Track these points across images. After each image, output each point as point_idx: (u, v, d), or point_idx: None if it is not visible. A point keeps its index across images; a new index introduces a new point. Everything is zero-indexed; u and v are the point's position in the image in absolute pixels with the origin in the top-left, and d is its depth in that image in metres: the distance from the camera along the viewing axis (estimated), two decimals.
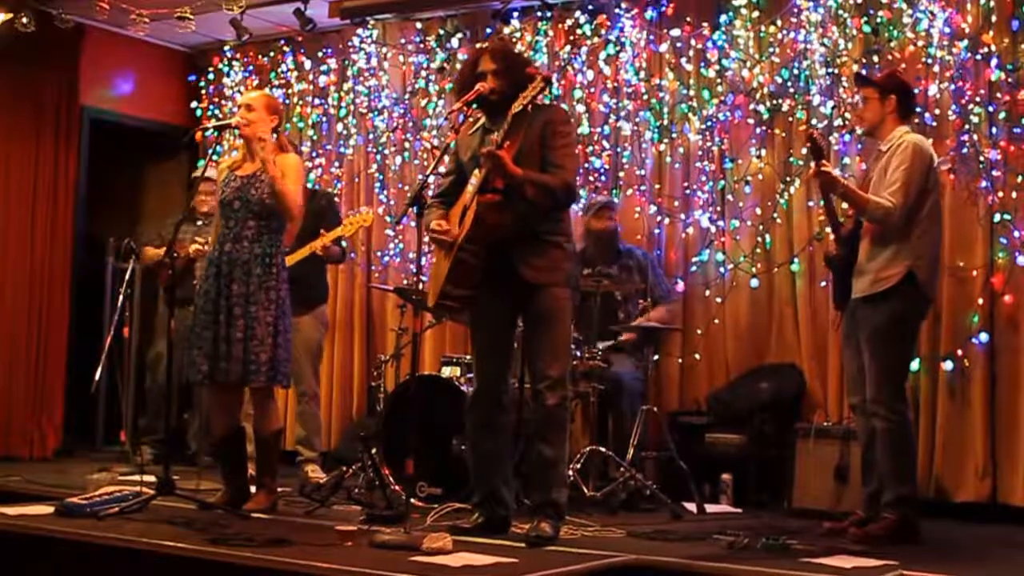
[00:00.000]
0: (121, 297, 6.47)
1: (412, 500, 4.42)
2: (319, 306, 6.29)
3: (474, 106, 4.61)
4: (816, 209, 6.03)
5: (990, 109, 5.67)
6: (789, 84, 6.24)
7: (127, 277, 6.56)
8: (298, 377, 6.17)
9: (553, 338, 4.45)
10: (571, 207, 4.82)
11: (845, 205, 4.98)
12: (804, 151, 5.92)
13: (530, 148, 4.43)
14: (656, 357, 6.29)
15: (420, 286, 5.71)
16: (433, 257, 4.69)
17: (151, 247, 6.80)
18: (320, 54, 7.77)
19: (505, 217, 4.39)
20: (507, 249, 4.44)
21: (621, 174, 6.72)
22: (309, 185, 6.73)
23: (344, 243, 6.34)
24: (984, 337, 5.61)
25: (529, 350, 4.58)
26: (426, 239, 4.57)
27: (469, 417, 4.64)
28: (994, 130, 5.67)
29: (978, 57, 5.70)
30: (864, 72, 5.57)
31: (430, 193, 4.72)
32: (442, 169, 4.75)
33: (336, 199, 7.29)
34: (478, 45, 7.02)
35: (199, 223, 6.79)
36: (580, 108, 6.74)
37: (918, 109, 5.75)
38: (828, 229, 5.15)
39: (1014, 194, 5.60)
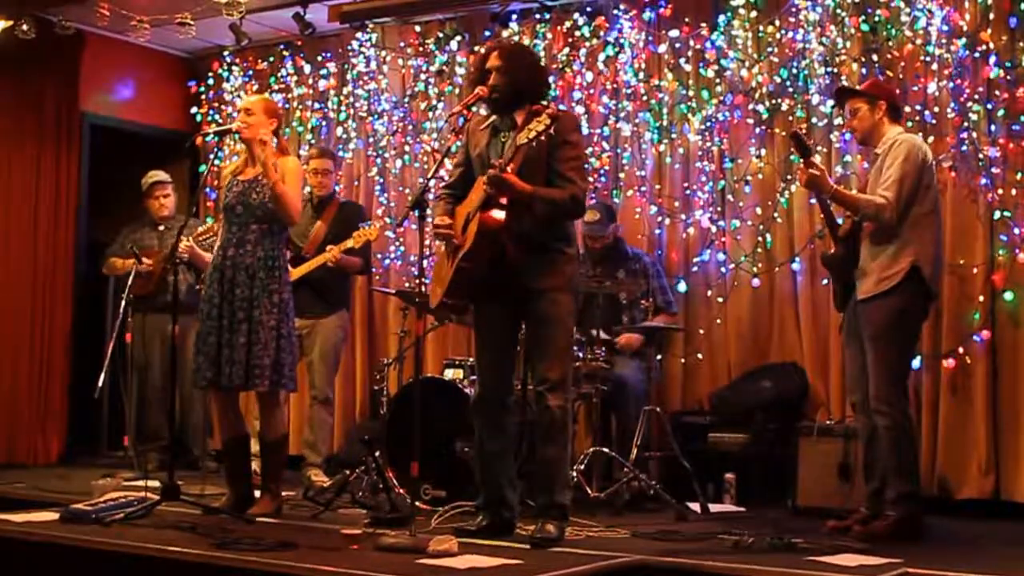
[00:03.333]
0: (123, 302, 6.48)
1: (416, 503, 4.42)
2: (339, 311, 6.29)
3: (480, 109, 4.62)
4: (817, 207, 6.04)
5: (989, 107, 5.68)
6: (788, 83, 6.25)
7: (129, 283, 6.57)
8: (312, 380, 6.19)
9: (554, 342, 4.43)
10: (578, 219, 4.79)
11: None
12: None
13: (536, 155, 4.38)
14: (659, 357, 6.30)
15: (422, 289, 5.71)
16: (436, 257, 4.67)
17: (117, 258, 6.84)
18: (319, 58, 7.78)
19: (508, 233, 4.36)
20: (509, 256, 4.42)
21: (621, 175, 6.73)
22: (340, 197, 6.76)
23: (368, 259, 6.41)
24: (985, 334, 5.62)
25: (530, 354, 4.57)
26: (428, 241, 4.56)
27: (475, 420, 4.64)
28: (993, 127, 5.68)
29: (976, 55, 5.71)
30: (846, 84, 5.59)
31: (431, 196, 4.72)
32: (443, 172, 4.75)
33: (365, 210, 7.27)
34: (476, 48, 7.05)
35: (160, 228, 6.89)
36: (579, 109, 6.74)
37: (918, 107, 5.80)
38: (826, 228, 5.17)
39: (1014, 191, 5.61)
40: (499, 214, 4.33)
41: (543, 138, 4.24)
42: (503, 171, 4.29)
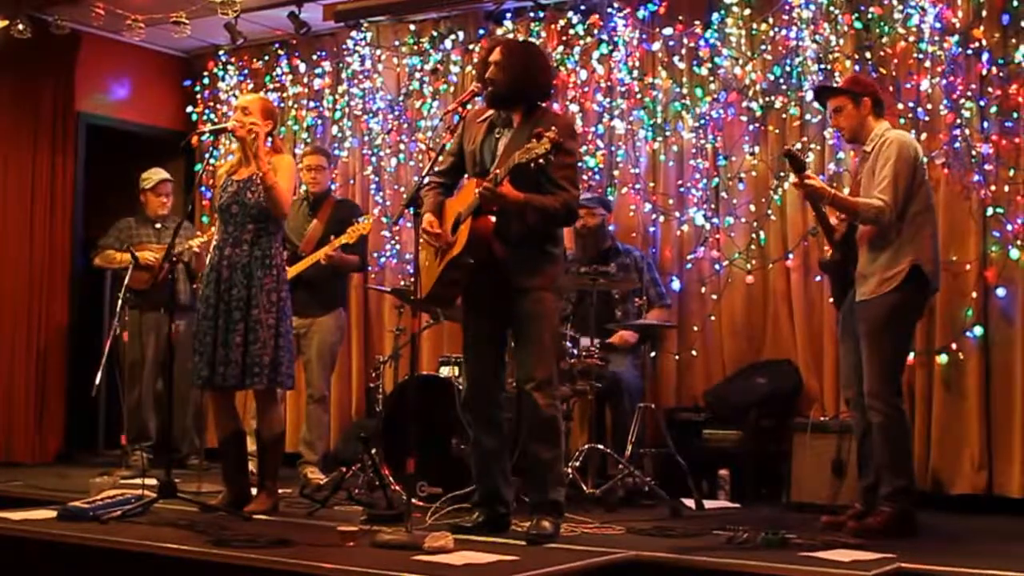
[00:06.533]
0: (119, 301, 6.48)
1: (412, 499, 4.44)
2: (336, 309, 6.31)
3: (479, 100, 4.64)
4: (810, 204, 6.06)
5: (981, 103, 5.70)
6: (781, 81, 6.27)
7: (125, 281, 6.58)
8: (309, 379, 6.21)
9: (538, 340, 4.44)
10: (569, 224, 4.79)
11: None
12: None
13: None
14: (653, 354, 6.32)
15: (417, 287, 5.72)
16: (422, 250, 4.65)
17: (114, 251, 6.87)
18: (314, 57, 7.80)
19: (498, 241, 4.40)
20: (496, 255, 4.44)
21: (615, 173, 6.75)
22: (335, 195, 6.78)
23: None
24: (978, 330, 5.65)
25: (516, 352, 4.58)
26: (421, 239, 4.57)
27: (468, 417, 4.66)
28: (986, 124, 5.70)
29: (969, 52, 5.72)
30: (826, 83, 5.60)
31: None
32: (438, 168, 4.75)
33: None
34: (471, 46, 7.07)
35: (157, 226, 6.95)
36: (574, 107, 6.76)
37: (911, 104, 5.82)
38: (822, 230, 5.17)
39: (1006, 188, 5.63)
40: (491, 219, 4.37)
41: (540, 161, 4.19)
42: (498, 184, 4.29)
